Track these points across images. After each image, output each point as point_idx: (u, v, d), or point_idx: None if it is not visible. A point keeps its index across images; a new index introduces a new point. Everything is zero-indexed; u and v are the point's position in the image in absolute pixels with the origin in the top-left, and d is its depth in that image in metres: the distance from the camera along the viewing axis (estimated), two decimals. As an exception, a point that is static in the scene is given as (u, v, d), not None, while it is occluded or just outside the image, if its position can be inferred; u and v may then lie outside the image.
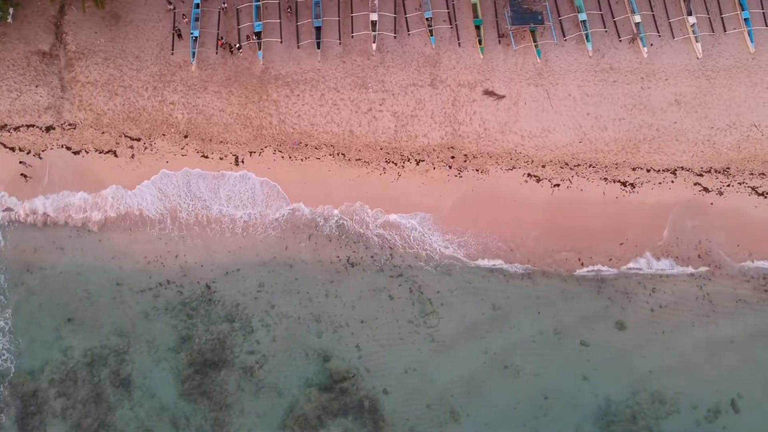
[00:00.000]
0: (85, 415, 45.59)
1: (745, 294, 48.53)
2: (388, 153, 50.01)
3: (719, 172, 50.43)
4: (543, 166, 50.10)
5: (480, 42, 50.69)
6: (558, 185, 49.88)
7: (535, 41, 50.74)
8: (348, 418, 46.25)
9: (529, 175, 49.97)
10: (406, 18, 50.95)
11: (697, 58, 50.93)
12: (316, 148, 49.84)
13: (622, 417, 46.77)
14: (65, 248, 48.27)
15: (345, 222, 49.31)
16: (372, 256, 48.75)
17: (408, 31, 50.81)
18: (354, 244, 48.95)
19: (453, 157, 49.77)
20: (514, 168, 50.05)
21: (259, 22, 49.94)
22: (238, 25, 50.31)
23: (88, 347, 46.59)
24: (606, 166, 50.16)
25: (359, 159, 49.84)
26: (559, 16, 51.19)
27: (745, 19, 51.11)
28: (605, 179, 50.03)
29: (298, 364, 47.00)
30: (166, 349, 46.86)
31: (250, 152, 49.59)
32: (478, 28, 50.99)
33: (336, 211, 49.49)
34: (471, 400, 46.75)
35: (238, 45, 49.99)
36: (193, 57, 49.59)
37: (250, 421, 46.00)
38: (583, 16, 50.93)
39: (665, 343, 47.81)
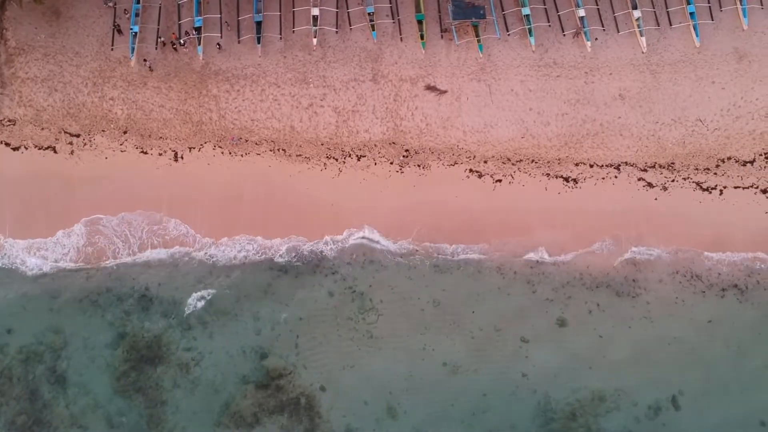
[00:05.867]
0: (19, 412, 45.25)
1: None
2: (329, 149, 49.67)
3: (664, 168, 49.94)
4: (485, 162, 49.68)
5: (422, 37, 50.32)
6: (500, 181, 49.49)
7: (477, 36, 50.33)
8: (284, 415, 45.87)
9: (471, 170, 49.57)
10: (348, 13, 50.59)
11: (642, 52, 50.49)
12: (256, 143, 49.52)
13: (562, 414, 46.31)
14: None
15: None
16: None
17: (350, 25, 50.46)
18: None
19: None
20: (456, 164, 49.65)
21: (200, 17, 49.64)
22: (179, 20, 50.03)
23: (23, 344, 46.34)
24: (549, 162, 49.72)
25: (300, 155, 49.51)
26: (503, 10, 50.77)
27: (691, 13, 50.64)
28: (548, 175, 49.58)
29: (235, 361, 46.64)
30: (102, 346, 46.56)
31: (190, 148, 49.28)
32: (420, 22, 50.62)
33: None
34: (409, 396, 46.30)
35: (181, 40, 49.71)
36: (133, 52, 49.32)
37: (185, 418, 45.61)
38: (526, 11, 50.47)
39: (606, 339, 47.46)
